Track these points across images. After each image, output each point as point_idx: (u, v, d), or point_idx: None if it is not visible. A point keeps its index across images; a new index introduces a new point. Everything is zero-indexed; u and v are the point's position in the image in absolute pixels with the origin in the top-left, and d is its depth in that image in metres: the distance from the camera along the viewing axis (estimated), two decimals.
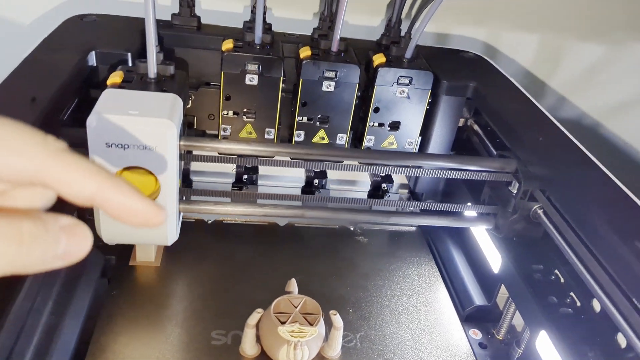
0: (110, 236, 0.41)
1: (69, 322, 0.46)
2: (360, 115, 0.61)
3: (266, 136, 0.60)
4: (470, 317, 0.54)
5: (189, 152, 0.46)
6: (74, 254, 0.24)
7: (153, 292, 0.51)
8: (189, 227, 0.60)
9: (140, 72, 0.44)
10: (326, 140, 0.60)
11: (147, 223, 0.26)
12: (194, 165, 0.66)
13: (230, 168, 0.66)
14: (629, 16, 0.78)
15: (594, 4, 0.76)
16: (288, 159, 0.54)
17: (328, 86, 0.57)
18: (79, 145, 0.36)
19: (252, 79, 0.56)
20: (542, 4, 0.75)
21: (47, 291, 0.47)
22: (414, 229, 0.66)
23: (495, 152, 0.57)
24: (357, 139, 0.62)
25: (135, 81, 0.43)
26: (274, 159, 0.51)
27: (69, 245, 0.24)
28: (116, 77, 0.43)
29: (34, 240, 0.22)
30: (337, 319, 0.46)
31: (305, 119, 0.59)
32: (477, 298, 0.55)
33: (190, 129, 0.64)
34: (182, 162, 0.43)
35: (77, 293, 0.49)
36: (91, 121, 0.36)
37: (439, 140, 0.63)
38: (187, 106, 0.62)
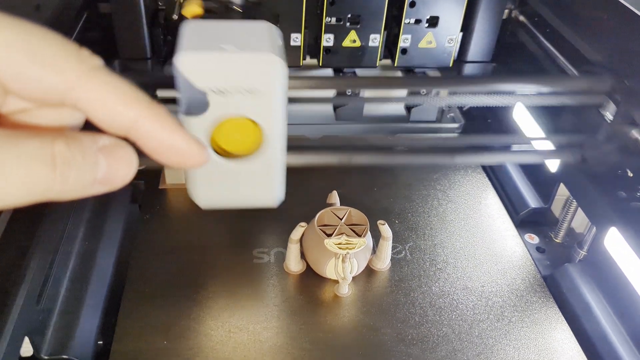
0: (209, 201, 0.34)
1: (103, 248, 0.44)
2: (394, 13, 0.56)
3: (292, 43, 0.55)
4: (525, 221, 0.50)
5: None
6: (116, 179, 0.21)
7: (187, 215, 0.49)
8: None
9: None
10: (358, 44, 0.55)
11: (186, 163, 0.22)
12: None
13: None
14: None
15: None
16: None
17: None
18: None
19: None
20: None
21: (77, 218, 0.45)
22: (456, 135, 0.61)
23: (550, 46, 0.51)
24: (391, 40, 0.57)
25: (220, 11, 0.38)
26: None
27: (111, 168, 0.20)
28: (195, 6, 0.37)
29: (68, 163, 0.19)
30: (385, 229, 0.42)
31: (334, 20, 0.53)
32: (532, 201, 0.51)
33: None
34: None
35: (108, 219, 0.47)
36: (179, 61, 0.28)
37: (481, 37, 0.57)
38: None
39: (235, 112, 0.29)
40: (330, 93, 0.60)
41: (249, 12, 0.34)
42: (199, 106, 0.29)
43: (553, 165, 0.49)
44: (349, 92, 0.59)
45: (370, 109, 0.63)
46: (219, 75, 0.28)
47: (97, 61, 0.20)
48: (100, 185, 0.21)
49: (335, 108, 0.60)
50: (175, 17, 0.56)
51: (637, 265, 0.37)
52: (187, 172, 0.32)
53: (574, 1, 0.47)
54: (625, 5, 0.44)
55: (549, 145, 0.39)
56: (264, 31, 0.31)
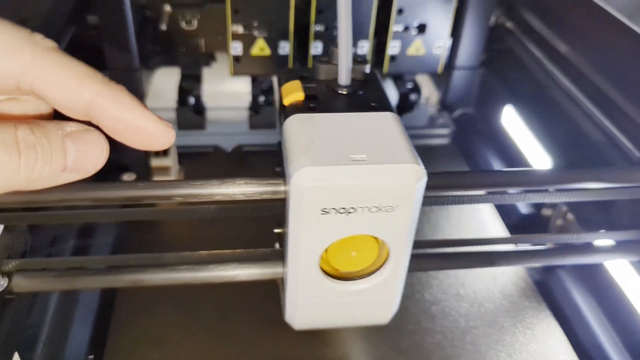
0: (308, 323, 0.29)
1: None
2: (381, 20, 0.56)
3: (280, 52, 0.55)
4: (517, 226, 0.50)
5: None
6: (87, 165, 0.21)
7: (176, 229, 0.48)
8: (206, 156, 0.57)
9: (321, 77, 0.29)
10: None
11: (151, 144, 0.22)
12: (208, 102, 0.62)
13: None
14: None
15: None
16: None
17: None
18: None
19: None
20: None
21: (67, 228, 0.45)
22: (446, 141, 0.61)
23: (537, 51, 0.51)
24: (379, 47, 0.57)
25: (323, 94, 0.28)
26: None
27: (80, 153, 0.20)
28: (296, 91, 0.28)
29: (33, 148, 0.19)
30: None
31: (322, 28, 0.54)
32: (523, 206, 0.51)
33: (197, 51, 0.59)
34: None
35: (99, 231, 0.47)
36: (300, 181, 0.23)
37: (468, 42, 0.58)
38: (193, 29, 0.58)
39: (358, 232, 0.25)
40: None
41: (361, 96, 0.28)
42: (316, 228, 0.24)
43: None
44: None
45: None
46: (349, 193, 0.23)
47: (50, 43, 0.20)
48: (71, 172, 0.21)
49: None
50: (164, 27, 0.56)
51: (627, 267, 0.38)
52: (285, 291, 0.28)
53: (558, 10, 0.48)
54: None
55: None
56: (392, 128, 0.25)
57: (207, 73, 0.61)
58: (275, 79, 0.59)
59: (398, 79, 0.62)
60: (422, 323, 0.40)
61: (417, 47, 0.56)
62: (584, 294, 0.42)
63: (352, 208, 0.24)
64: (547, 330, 0.40)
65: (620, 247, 0.35)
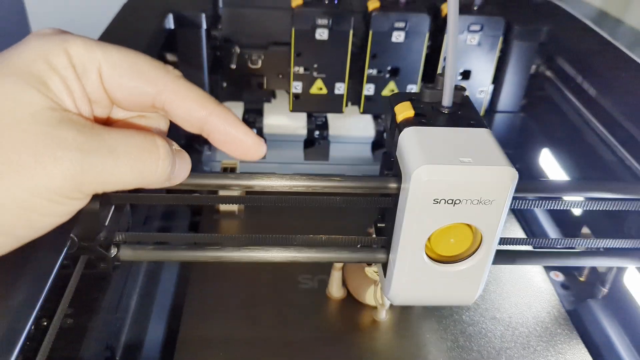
0: (405, 299, 0.35)
1: (166, 268, 0.49)
2: (431, 65, 0.61)
3: (336, 91, 0.60)
4: None
5: None
6: (179, 177, 0.27)
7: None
8: None
9: (427, 100, 0.35)
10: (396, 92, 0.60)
11: (248, 154, 0.28)
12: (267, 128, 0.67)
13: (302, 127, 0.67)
14: None
15: None
16: None
17: (398, 37, 0.57)
18: None
19: (322, 34, 0.57)
20: None
21: None
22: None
23: (574, 98, 0.55)
24: None
25: (429, 113, 0.34)
26: None
27: (179, 167, 0.26)
28: (407, 110, 0.34)
29: (167, 157, 0.24)
30: None
31: (375, 71, 0.59)
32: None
33: (260, 89, 0.65)
34: None
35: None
36: (420, 176, 0.29)
37: (511, 89, 0.62)
38: (257, 67, 0.64)
39: (460, 220, 0.30)
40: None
41: (461, 115, 0.34)
42: (427, 215, 0.30)
43: (577, 210, 0.52)
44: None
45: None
46: (456, 187, 0.29)
47: (178, 72, 0.26)
48: (169, 181, 0.26)
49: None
50: (233, 66, 0.62)
51: None
52: (389, 271, 0.33)
53: (592, 60, 0.52)
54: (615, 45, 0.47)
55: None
56: (488, 139, 0.31)
57: (267, 108, 0.67)
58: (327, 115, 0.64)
59: None
60: (459, 342, 0.44)
61: None
62: (614, 324, 0.45)
63: (458, 200, 0.29)
64: (578, 356, 0.43)
65: (627, 253, 0.38)
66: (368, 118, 0.68)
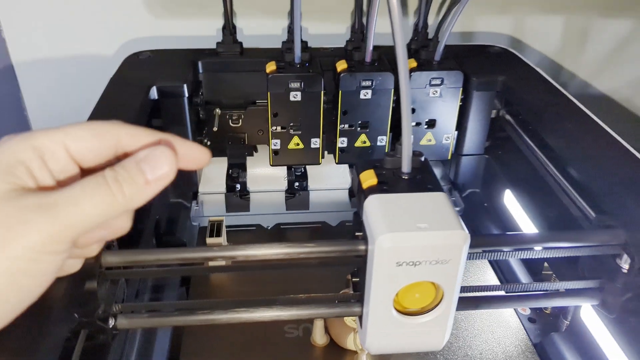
0: (380, 348, 0.38)
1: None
2: (398, 117, 0.66)
3: (312, 146, 0.65)
4: None
5: None
6: (162, 173, 0.30)
7: (226, 293, 0.57)
8: (251, 232, 0.67)
9: (388, 166, 0.38)
10: (368, 144, 0.65)
11: (198, 163, 0.33)
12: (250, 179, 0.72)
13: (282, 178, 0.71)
14: None
15: None
16: None
17: (365, 94, 0.62)
18: None
19: (295, 96, 0.61)
20: None
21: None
22: None
23: (530, 141, 0.60)
24: (397, 138, 0.67)
25: (391, 180, 0.38)
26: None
27: (154, 169, 0.30)
28: (371, 178, 0.37)
29: (116, 179, 0.29)
30: None
31: (347, 126, 0.64)
32: (524, 277, 0.59)
33: (242, 145, 0.70)
34: None
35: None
36: (383, 243, 0.32)
37: (474, 133, 0.67)
38: (238, 126, 0.69)
39: (422, 279, 0.34)
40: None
41: (420, 181, 0.38)
42: (392, 276, 0.34)
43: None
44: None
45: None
46: (416, 251, 0.33)
47: (121, 122, 0.32)
48: (155, 182, 0.30)
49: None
50: (215, 128, 0.67)
51: (605, 334, 0.45)
52: (363, 323, 0.37)
53: (542, 110, 0.57)
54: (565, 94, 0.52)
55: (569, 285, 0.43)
56: (443, 203, 0.35)
57: (250, 162, 0.71)
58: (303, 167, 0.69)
59: None
60: None
61: (428, 138, 0.66)
62: (574, 355, 0.49)
63: (418, 261, 0.33)
64: None
65: (580, 293, 0.43)
66: (344, 166, 0.73)
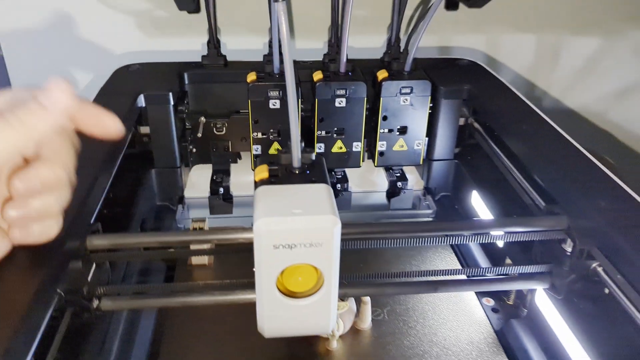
0: (274, 332, 0.41)
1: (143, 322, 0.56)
2: (372, 124, 0.70)
3: None
4: None
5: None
6: (57, 100, 0.33)
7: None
8: None
9: (283, 162, 0.42)
10: (344, 150, 0.69)
11: (107, 131, 0.36)
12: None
13: None
14: (621, 3, 0.84)
15: None
16: None
17: (340, 102, 0.66)
18: None
19: (274, 104, 0.65)
20: (535, 4, 0.83)
21: None
22: (430, 219, 0.74)
23: (493, 144, 0.64)
24: (371, 144, 0.71)
25: (282, 174, 0.41)
26: None
27: (47, 95, 0.32)
28: (263, 172, 0.41)
29: (11, 112, 0.32)
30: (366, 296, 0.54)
31: (323, 132, 0.68)
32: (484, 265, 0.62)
33: (226, 152, 0.74)
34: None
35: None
36: (259, 227, 0.35)
37: (443, 139, 0.71)
38: (222, 133, 0.73)
39: (299, 261, 0.37)
40: None
41: (308, 174, 0.41)
42: (271, 258, 0.36)
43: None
44: (338, 187, 0.72)
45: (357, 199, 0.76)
46: (290, 234, 0.35)
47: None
48: (51, 107, 0.32)
49: None
50: (199, 135, 0.71)
51: (556, 316, 0.48)
52: (258, 309, 0.40)
53: (503, 116, 0.61)
54: (527, 103, 0.56)
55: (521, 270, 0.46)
56: (323, 193, 0.38)
57: (234, 168, 0.75)
58: None
59: (388, 169, 0.75)
60: None
61: (400, 144, 0.70)
62: (531, 339, 0.52)
63: (294, 244, 0.36)
64: None
65: (532, 277, 0.47)
66: None
